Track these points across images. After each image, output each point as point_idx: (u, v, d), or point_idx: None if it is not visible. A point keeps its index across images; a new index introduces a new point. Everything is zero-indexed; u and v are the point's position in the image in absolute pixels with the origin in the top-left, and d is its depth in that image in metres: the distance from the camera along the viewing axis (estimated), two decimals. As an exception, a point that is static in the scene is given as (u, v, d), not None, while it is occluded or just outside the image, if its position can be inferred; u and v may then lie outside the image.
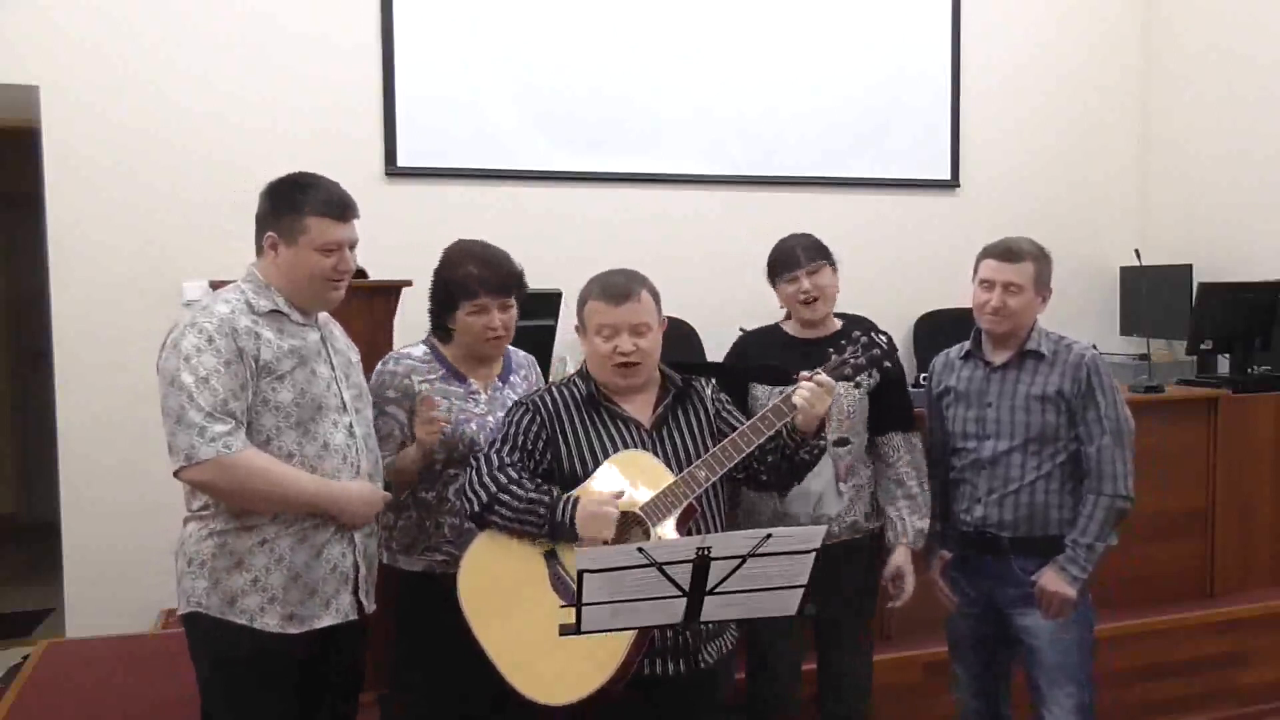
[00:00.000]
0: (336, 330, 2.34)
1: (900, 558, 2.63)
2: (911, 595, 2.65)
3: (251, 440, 2.06)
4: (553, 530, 2.08)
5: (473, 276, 2.38)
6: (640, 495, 2.11)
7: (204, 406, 1.99)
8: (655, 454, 2.19)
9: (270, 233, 2.16)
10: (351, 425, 2.20)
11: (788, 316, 2.77)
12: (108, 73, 4.06)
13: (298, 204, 2.14)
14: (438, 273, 2.47)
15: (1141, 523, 2.80)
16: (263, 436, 2.08)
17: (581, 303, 2.26)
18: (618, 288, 2.20)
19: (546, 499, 2.10)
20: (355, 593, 2.20)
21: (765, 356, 2.70)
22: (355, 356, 2.35)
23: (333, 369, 2.21)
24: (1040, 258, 2.61)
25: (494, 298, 2.39)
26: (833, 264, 2.68)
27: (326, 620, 2.14)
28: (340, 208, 2.18)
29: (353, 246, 2.22)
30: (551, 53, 4.61)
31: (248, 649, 2.07)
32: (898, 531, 2.63)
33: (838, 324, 2.71)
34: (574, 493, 2.13)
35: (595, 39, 4.67)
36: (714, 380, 2.38)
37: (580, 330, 2.28)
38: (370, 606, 2.25)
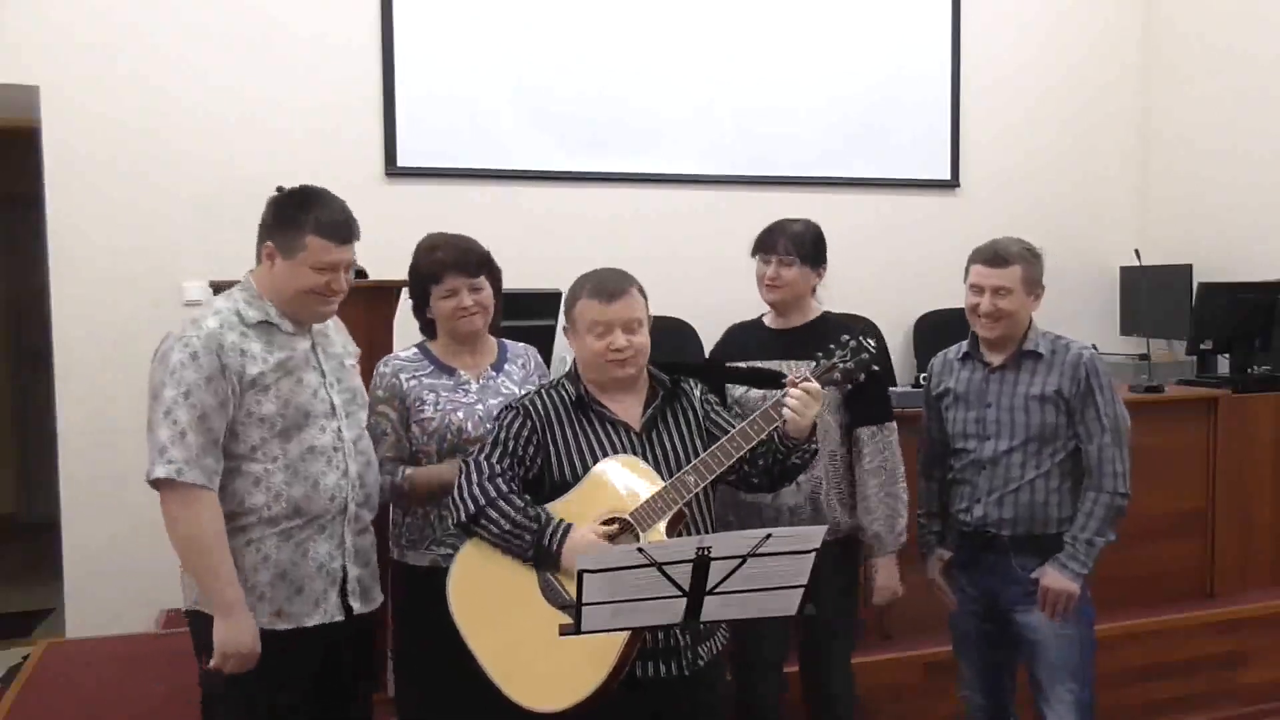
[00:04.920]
0: (334, 334, 2.34)
1: (877, 566, 2.63)
2: (901, 595, 2.64)
3: (237, 449, 2.10)
4: (538, 555, 2.07)
5: (438, 261, 2.46)
6: (629, 501, 2.10)
7: (172, 426, 2.02)
8: (645, 457, 2.18)
9: (269, 242, 2.18)
10: (340, 429, 2.21)
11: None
12: (108, 73, 4.05)
13: (299, 220, 2.15)
14: (410, 268, 2.54)
15: (1141, 523, 2.80)
16: (248, 446, 2.11)
17: (570, 303, 2.24)
18: (609, 285, 2.20)
19: (534, 525, 2.08)
20: (343, 595, 2.21)
21: (746, 348, 2.70)
22: (351, 360, 2.35)
23: (323, 375, 2.22)
24: (1028, 259, 2.59)
25: (462, 278, 2.45)
26: (813, 264, 2.66)
27: (315, 619, 2.16)
28: (341, 231, 2.18)
29: (348, 268, 2.22)
30: (552, 53, 4.61)
31: None
32: (866, 539, 2.64)
33: (814, 314, 2.70)
34: (560, 513, 2.10)
35: (595, 39, 4.67)
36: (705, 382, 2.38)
37: (569, 332, 2.26)
38: (360, 608, 2.25)
